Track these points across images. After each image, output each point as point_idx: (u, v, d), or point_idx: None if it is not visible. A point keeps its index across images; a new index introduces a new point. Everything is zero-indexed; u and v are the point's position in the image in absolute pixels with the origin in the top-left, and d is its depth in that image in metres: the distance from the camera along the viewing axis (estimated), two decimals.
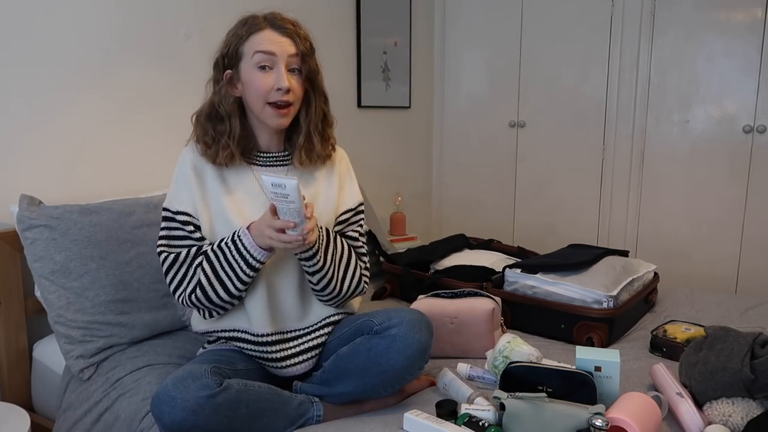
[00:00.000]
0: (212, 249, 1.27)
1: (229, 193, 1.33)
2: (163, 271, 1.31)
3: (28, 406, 1.64)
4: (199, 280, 1.27)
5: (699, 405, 1.23)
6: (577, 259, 1.81)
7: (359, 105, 2.81)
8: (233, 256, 1.24)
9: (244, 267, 1.24)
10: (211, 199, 1.33)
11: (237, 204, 1.33)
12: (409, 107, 3.18)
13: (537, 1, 2.99)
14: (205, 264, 1.27)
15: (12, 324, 1.60)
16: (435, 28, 3.29)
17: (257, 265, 1.25)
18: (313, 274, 1.31)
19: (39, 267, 1.48)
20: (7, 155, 1.63)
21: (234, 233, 1.26)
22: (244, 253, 1.23)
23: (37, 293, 1.57)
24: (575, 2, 2.87)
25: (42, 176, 1.70)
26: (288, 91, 1.28)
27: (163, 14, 1.96)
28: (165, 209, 1.34)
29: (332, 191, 1.42)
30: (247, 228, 1.25)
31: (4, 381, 1.60)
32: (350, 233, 1.43)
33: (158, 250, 1.32)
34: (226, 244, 1.26)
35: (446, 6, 3.27)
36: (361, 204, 1.47)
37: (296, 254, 1.28)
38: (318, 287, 1.33)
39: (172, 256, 1.30)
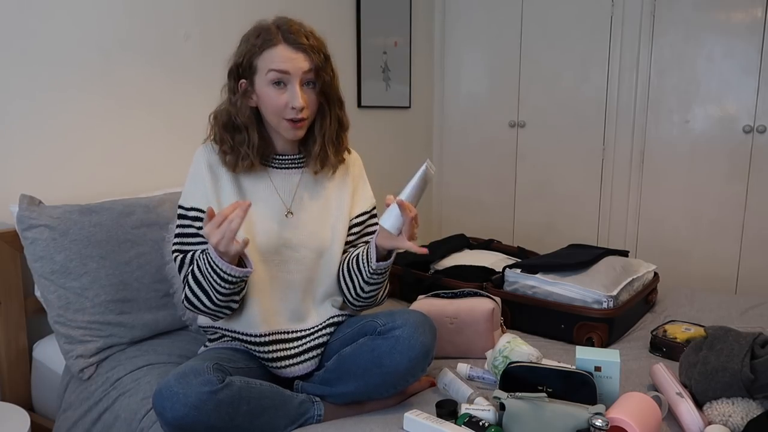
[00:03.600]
0: (197, 259, 1.25)
1: (242, 197, 1.33)
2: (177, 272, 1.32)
3: (28, 406, 1.64)
4: (188, 288, 1.26)
5: (699, 405, 1.23)
6: (577, 259, 1.81)
7: (359, 105, 2.81)
8: (206, 267, 1.20)
9: (217, 279, 1.19)
10: (225, 200, 1.32)
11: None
12: (409, 107, 3.17)
13: (537, 1, 2.99)
14: (190, 276, 1.25)
15: (12, 324, 1.60)
16: (435, 28, 3.29)
17: (231, 278, 1.18)
18: (373, 284, 1.34)
19: (39, 267, 1.48)
20: (7, 155, 1.63)
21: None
22: (215, 267, 1.18)
23: (37, 293, 1.56)
24: (575, 2, 2.87)
25: (42, 176, 1.70)
26: (302, 108, 1.28)
27: (163, 14, 1.95)
28: (179, 206, 1.34)
29: (345, 195, 1.43)
30: None
31: (4, 381, 1.60)
32: (370, 239, 1.44)
33: (172, 248, 1.32)
34: (205, 254, 1.22)
35: (446, 6, 3.27)
36: (374, 207, 1.49)
37: (375, 270, 1.30)
38: (365, 295, 1.37)
39: (180, 258, 1.30)
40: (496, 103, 3.19)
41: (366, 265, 1.32)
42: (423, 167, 1.20)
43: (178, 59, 2.01)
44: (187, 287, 1.26)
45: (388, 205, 1.23)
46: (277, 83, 1.28)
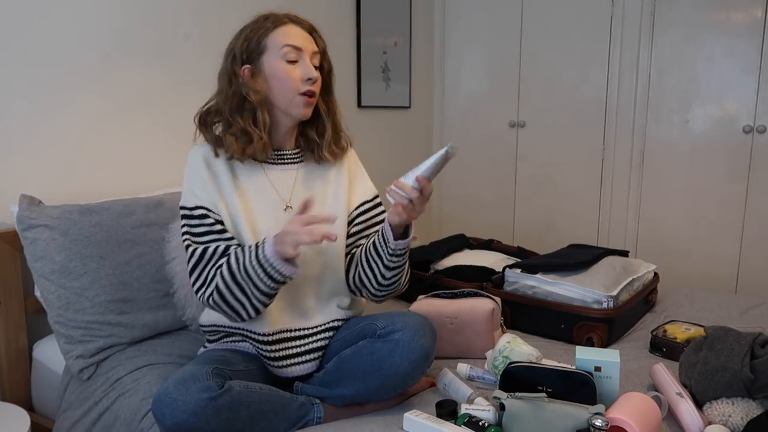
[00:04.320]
0: (235, 253, 1.23)
1: (240, 193, 1.33)
2: (189, 267, 1.27)
3: (28, 406, 1.64)
4: (222, 282, 1.23)
5: (699, 405, 1.23)
6: (576, 259, 1.81)
7: (359, 105, 2.81)
8: (251, 263, 1.18)
9: (263, 276, 1.18)
10: (227, 196, 1.32)
11: (246, 204, 1.32)
12: (409, 107, 3.17)
13: (537, 1, 2.99)
14: (225, 269, 1.23)
15: (12, 324, 1.60)
16: (435, 28, 3.29)
17: (277, 276, 1.17)
18: (394, 268, 1.32)
19: (39, 267, 1.48)
20: (7, 155, 1.63)
21: (262, 240, 1.21)
22: (263, 261, 1.17)
23: (37, 293, 1.56)
24: (575, 2, 2.87)
25: (42, 176, 1.70)
26: (316, 80, 1.32)
27: (163, 14, 1.95)
28: (182, 208, 1.32)
29: (342, 188, 1.42)
30: (274, 235, 1.18)
31: (4, 381, 1.60)
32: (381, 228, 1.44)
33: (185, 243, 1.29)
34: (249, 248, 1.21)
35: (446, 6, 3.27)
36: (376, 196, 1.48)
37: (393, 251, 1.28)
38: (387, 282, 1.34)
39: (199, 250, 1.26)
40: (496, 103, 3.19)
41: (384, 247, 1.29)
42: (444, 150, 1.19)
43: (177, 59, 2.01)
44: (220, 281, 1.22)
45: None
46: (290, 59, 1.30)
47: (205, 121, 1.35)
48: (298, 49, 1.30)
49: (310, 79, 1.30)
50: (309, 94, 1.32)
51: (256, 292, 1.21)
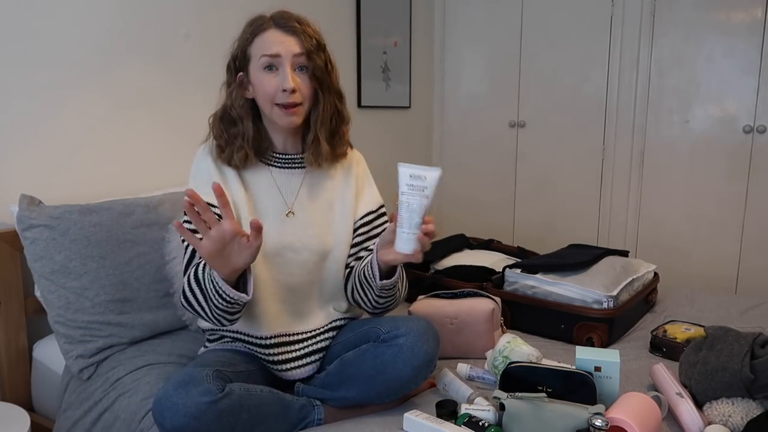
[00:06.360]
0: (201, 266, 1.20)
1: (247, 193, 1.32)
2: (183, 265, 1.28)
3: (28, 406, 1.64)
4: (188, 286, 1.22)
5: (699, 405, 1.23)
6: (576, 259, 1.81)
7: (359, 105, 2.81)
8: (208, 275, 1.15)
9: (215, 295, 1.14)
10: (234, 194, 1.31)
11: (252, 206, 1.32)
12: (409, 107, 3.17)
13: (537, 1, 2.99)
14: (191, 273, 1.20)
15: (12, 324, 1.60)
16: (435, 28, 3.29)
17: (226, 296, 1.13)
18: (387, 296, 1.30)
19: (39, 267, 1.48)
20: (7, 155, 1.63)
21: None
22: (215, 278, 1.13)
23: (37, 293, 1.56)
24: (575, 2, 2.87)
25: (42, 176, 1.70)
26: (294, 91, 1.26)
27: (163, 14, 1.95)
28: None
29: (349, 194, 1.40)
30: None
31: (4, 381, 1.60)
32: None
33: (183, 242, 1.30)
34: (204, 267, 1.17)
35: (446, 6, 3.27)
36: (382, 206, 1.45)
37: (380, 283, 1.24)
38: (381, 307, 1.34)
39: (190, 250, 1.26)
40: (496, 102, 3.19)
41: (373, 282, 1.27)
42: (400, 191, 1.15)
43: (177, 59, 2.01)
44: (186, 285, 1.22)
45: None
46: (269, 68, 1.26)
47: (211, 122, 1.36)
48: (275, 56, 1.26)
49: (285, 90, 1.25)
50: (286, 106, 1.27)
51: (214, 309, 1.17)
